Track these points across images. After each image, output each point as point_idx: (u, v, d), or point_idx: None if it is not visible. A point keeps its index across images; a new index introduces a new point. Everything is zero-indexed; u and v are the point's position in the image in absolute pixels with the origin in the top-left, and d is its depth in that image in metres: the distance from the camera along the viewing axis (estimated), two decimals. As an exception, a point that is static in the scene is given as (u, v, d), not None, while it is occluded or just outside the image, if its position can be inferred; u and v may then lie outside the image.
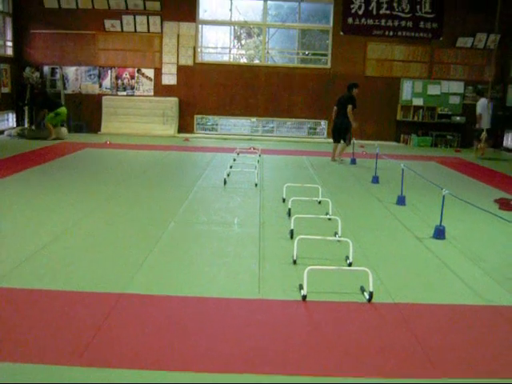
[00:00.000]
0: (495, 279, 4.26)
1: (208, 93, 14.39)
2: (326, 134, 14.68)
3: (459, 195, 5.87)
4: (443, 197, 5.24)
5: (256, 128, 15.12)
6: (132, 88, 14.34)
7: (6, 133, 12.92)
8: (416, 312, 3.58)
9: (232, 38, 14.82)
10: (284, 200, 6.62)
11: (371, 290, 3.69)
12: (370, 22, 14.04)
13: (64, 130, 12.84)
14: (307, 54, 15.07)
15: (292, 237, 4.99)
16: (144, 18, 13.96)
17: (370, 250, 4.88)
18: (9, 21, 13.79)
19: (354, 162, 10.39)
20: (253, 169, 8.59)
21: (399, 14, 14.01)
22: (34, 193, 6.69)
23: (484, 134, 12.10)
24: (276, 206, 6.53)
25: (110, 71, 14.29)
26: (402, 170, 6.90)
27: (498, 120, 14.11)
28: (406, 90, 14.38)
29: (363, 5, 13.95)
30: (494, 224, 5.93)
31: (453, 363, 2.92)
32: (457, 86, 14.37)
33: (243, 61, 15.16)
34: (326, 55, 14.56)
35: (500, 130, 14.27)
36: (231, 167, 8.82)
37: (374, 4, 13.95)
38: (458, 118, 14.30)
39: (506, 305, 3.76)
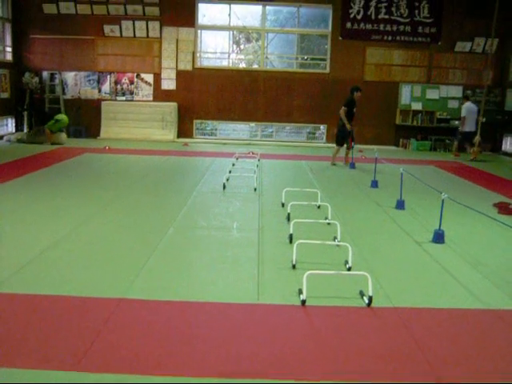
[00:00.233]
0: (494, 283, 4.26)
1: (207, 98, 14.42)
2: (325, 138, 14.71)
3: (458, 199, 5.87)
4: (442, 201, 5.25)
5: (255, 133, 15.14)
6: (131, 93, 14.37)
7: (5, 138, 12.93)
8: (415, 316, 3.58)
9: (231, 43, 14.86)
10: (283, 204, 6.62)
11: (370, 294, 3.69)
12: (369, 26, 14.09)
13: (63, 135, 12.87)
14: (306, 59, 15.11)
15: (291, 241, 5.00)
16: (143, 23, 14.00)
17: (369, 254, 4.89)
18: (8, 26, 13.83)
19: (353, 166, 10.42)
20: (252, 173, 8.60)
21: (398, 18, 14.06)
22: (34, 198, 6.69)
23: (477, 138, 12.14)
24: (275, 210, 6.53)
25: (109, 76, 14.32)
26: (401, 174, 6.91)
27: (496, 124, 14.16)
28: (405, 95, 14.42)
29: (362, 9, 14.00)
30: (493, 228, 5.94)
31: (452, 367, 2.92)
32: (455, 91, 14.41)
33: (242, 66, 15.19)
34: (324, 60, 14.60)
35: (499, 134, 14.31)
36: (230, 172, 8.82)
37: (372, 9, 14.01)
38: (456, 123, 14.30)
39: (506, 308, 3.76)
